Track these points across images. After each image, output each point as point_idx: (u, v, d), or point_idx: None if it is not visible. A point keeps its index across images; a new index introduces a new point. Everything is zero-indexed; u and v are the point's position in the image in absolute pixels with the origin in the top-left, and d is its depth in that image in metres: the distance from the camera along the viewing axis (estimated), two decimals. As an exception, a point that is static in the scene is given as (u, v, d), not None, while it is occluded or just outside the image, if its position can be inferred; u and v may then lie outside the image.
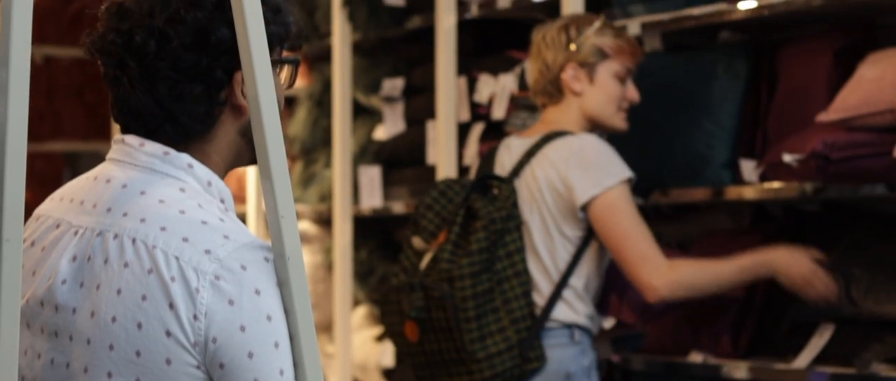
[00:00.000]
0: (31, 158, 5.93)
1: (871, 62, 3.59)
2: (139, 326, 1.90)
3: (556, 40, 3.66)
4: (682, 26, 4.00)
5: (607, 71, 3.66)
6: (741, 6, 3.80)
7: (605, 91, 3.66)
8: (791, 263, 3.52)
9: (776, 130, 3.84)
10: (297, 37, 2.10)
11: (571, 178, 3.54)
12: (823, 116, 3.55)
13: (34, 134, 7.14)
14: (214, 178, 2.04)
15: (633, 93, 3.71)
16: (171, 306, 1.89)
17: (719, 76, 3.97)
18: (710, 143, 3.93)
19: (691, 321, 3.96)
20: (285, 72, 2.10)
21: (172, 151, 2.02)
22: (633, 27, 4.09)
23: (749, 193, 3.83)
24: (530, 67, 3.74)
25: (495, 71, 4.62)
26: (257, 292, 1.90)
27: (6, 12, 1.75)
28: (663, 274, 3.49)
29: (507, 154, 3.71)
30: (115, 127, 7.13)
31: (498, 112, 4.52)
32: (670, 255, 3.59)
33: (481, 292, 3.49)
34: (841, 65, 3.72)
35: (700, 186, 3.94)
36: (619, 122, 3.70)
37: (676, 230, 4.44)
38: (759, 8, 3.75)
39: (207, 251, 1.91)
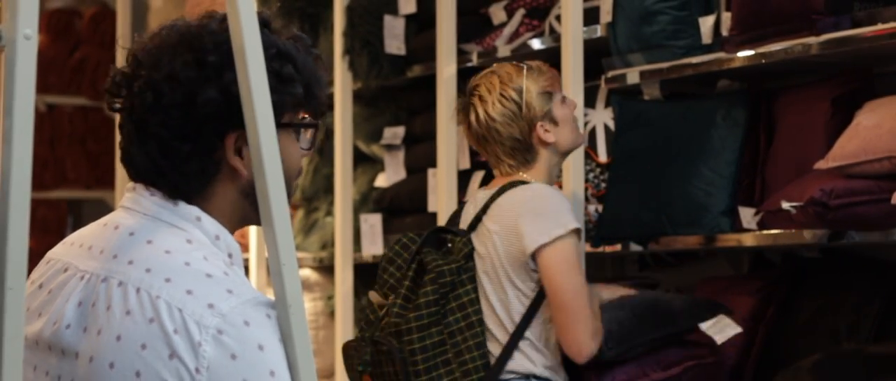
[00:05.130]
0: (35, 206, 5.94)
1: (869, 110, 3.60)
2: (137, 374, 1.90)
3: (509, 113, 3.59)
4: (681, 75, 4.01)
5: (558, 104, 3.63)
6: (739, 55, 3.82)
7: (567, 123, 3.63)
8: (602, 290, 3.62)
9: (774, 177, 3.85)
10: (310, 102, 2.07)
11: (521, 226, 3.50)
12: (821, 164, 3.56)
13: (37, 182, 7.16)
14: (223, 231, 2.03)
15: (571, 102, 3.69)
16: (172, 356, 1.88)
17: (718, 124, 3.98)
18: (709, 190, 3.94)
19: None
20: (308, 135, 2.08)
21: (181, 203, 2.02)
22: (633, 76, 4.11)
23: (747, 240, 3.83)
24: (483, 152, 3.66)
25: (496, 119, 4.63)
26: (260, 347, 1.89)
27: (10, 60, 1.76)
28: (596, 333, 3.45)
29: (473, 206, 3.67)
30: (119, 176, 7.10)
31: (498, 160, 4.52)
32: None
33: (430, 346, 3.46)
34: (838, 112, 3.73)
35: (698, 234, 3.95)
36: (580, 139, 3.71)
37: (676, 278, 4.44)
38: (757, 56, 3.77)
39: (210, 305, 1.90)
